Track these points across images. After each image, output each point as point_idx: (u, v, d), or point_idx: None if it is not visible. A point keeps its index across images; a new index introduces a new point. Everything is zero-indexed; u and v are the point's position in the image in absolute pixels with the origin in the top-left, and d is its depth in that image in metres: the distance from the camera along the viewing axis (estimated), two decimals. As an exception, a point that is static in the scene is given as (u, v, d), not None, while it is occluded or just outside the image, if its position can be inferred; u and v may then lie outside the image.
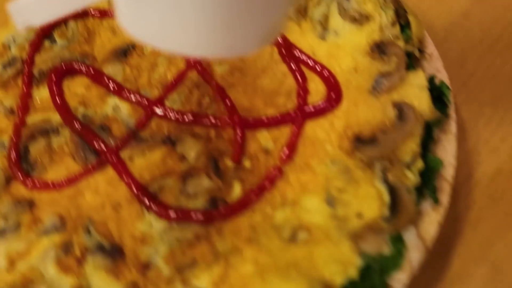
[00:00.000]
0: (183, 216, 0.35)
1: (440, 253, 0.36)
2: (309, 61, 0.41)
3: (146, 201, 0.36)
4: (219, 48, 0.25)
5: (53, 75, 0.41)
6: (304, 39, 0.42)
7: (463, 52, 0.44)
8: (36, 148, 0.38)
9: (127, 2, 0.24)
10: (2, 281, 0.32)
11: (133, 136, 0.39)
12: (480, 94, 0.42)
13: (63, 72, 0.42)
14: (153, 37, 0.25)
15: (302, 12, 0.42)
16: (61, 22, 0.44)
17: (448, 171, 0.34)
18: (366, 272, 0.31)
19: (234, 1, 0.22)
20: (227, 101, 0.39)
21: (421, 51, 0.39)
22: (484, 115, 0.41)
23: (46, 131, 0.39)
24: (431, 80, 0.37)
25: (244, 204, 0.35)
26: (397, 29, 0.39)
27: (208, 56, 0.30)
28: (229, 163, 0.37)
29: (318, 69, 0.40)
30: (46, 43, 0.43)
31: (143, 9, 0.24)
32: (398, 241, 0.31)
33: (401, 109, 0.36)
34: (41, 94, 0.41)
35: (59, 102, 0.41)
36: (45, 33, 0.43)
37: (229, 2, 0.22)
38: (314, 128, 0.38)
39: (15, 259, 0.33)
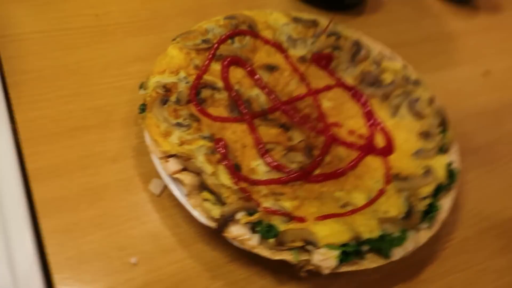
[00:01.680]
0: (281, 168, 0.55)
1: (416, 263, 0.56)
2: (380, 124, 0.64)
3: (262, 151, 0.56)
4: None
5: (227, 60, 0.64)
6: (380, 111, 0.65)
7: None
8: (205, 93, 0.60)
9: None
10: (176, 150, 0.51)
11: (263, 114, 0.61)
12: (471, 193, 0.64)
13: (233, 61, 0.64)
14: None
15: (386, 97, 0.66)
16: (241, 34, 0.67)
17: (442, 215, 0.56)
18: (381, 239, 0.50)
19: None
20: (326, 120, 0.62)
21: (448, 148, 0.62)
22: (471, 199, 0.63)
23: (213, 87, 0.61)
24: (449, 164, 0.60)
25: (319, 179, 0.56)
26: (438, 130, 0.63)
27: None
28: (317, 152, 0.58)
29: (384, 131, 0.63)
30: (229, 41, 0.66)
31: None
32: (404, 233, 0.52)
33: (428, 170, 0.58)
34: (216, 67, 0.63)
35: (225, 75, 0.63)
36: (231, 36, 0.67)
37: None
38: (372, 160, 0.60)
39: (183, 142, 0.53)
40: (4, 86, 0.58)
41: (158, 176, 0.55)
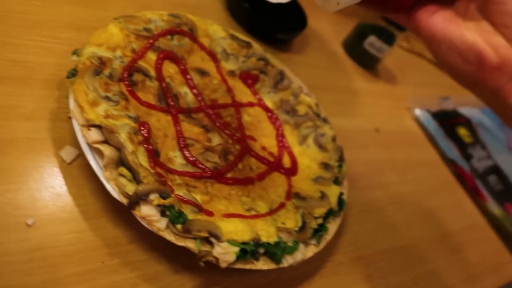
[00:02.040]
0: (197, 164, 0.58)
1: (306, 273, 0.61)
2: (289, 148, 0.70)
3: (181, 145, 0.58)
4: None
5: (163, 53, 0.66)
6: (290, 137, 0.72)
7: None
8: (137, 77, 0.60)
9: None
10: (101, 121, 0.51)
11: (188, 112, 0.63)
12: (351, 225, 0.73)
13: (168, 56, 0.66)
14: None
15: (297, 126, 0.73)
16: (181, 34, 0.70)
17: (328, 236, 0.62)
18: (276, 245, 0.55)
19: None
20: (244, 132, 0.66)
21: (341, 181, 0.70)
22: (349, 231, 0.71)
23: (145, 74, 0.62)
24: (341, 194, 0.67)
25: (229, 182, 0.59)
26: (336, 164, 0.71)
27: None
28: (231, 158, 0.61)
29: (291, 155, 0.69)
30: (169, 36, 0.68)
31: None
32: (296, 243, 0.56)
33: (323, 195, 0.64)
34: (151, 56, 0.65)
35: (158, 67, 0.64)
36: (171, 32, 0.69)
37: None
38: (278, 176, 0.65)
39: (109, 116, 0.52)
40: None
41: (72, 144, 0.53)
